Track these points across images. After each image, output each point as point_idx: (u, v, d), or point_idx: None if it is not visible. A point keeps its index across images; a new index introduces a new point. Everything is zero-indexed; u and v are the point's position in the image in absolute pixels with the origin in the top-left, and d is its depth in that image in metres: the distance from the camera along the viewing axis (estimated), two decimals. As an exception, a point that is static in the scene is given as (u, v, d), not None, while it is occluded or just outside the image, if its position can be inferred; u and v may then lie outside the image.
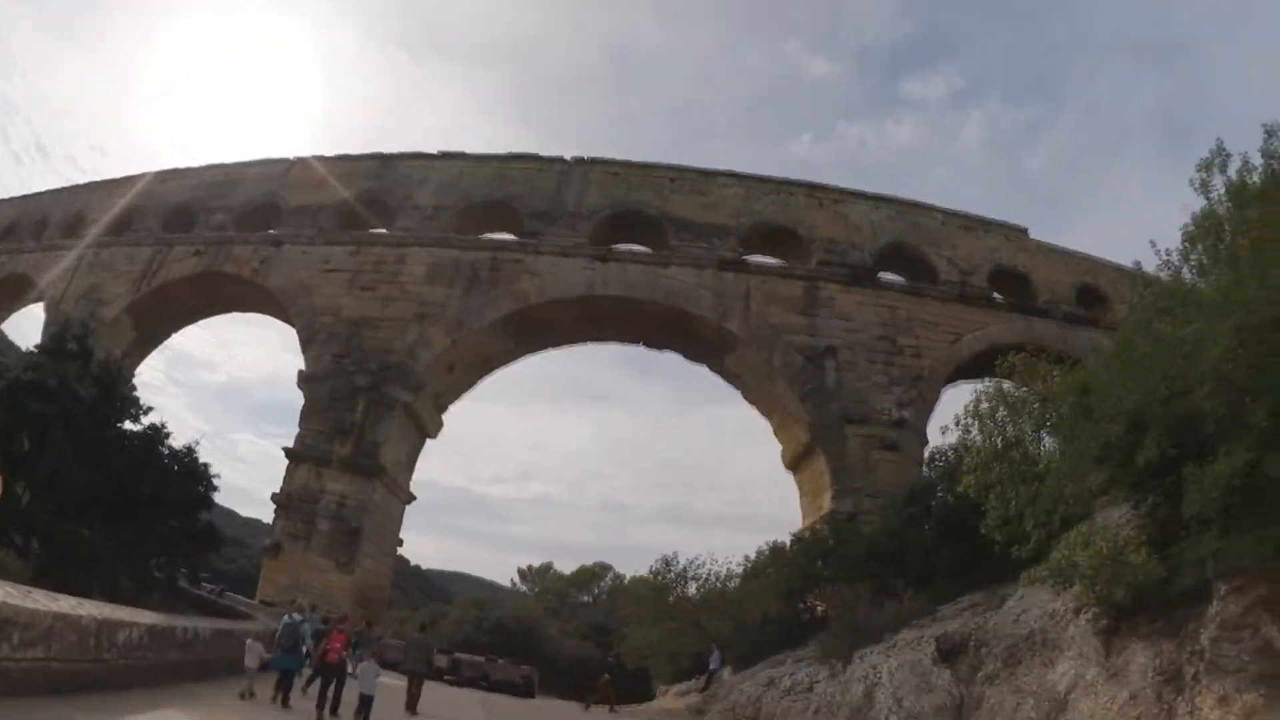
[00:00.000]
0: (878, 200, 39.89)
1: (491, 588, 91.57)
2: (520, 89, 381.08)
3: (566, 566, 79.38)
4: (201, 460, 24.93)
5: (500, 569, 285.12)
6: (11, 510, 19.50)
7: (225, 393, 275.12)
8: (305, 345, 37.38)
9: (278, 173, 45.44)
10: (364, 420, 34.17)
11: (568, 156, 41.07)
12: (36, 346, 25.87)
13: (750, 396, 37.61)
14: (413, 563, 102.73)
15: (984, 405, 17.84)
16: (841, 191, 39.80)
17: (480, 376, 39.63)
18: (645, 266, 36.52)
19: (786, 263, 37.61)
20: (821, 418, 32.87)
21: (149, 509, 22.65)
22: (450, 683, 31.43)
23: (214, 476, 25.08)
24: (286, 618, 15.90)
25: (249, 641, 15.80)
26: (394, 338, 35.86)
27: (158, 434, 24.34)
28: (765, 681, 21.29)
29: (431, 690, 20.75)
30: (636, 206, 38.81)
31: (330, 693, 14.50)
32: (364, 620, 25.86)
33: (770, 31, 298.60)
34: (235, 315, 46.85)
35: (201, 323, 47.96)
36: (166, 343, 48.62)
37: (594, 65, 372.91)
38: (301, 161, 45.23)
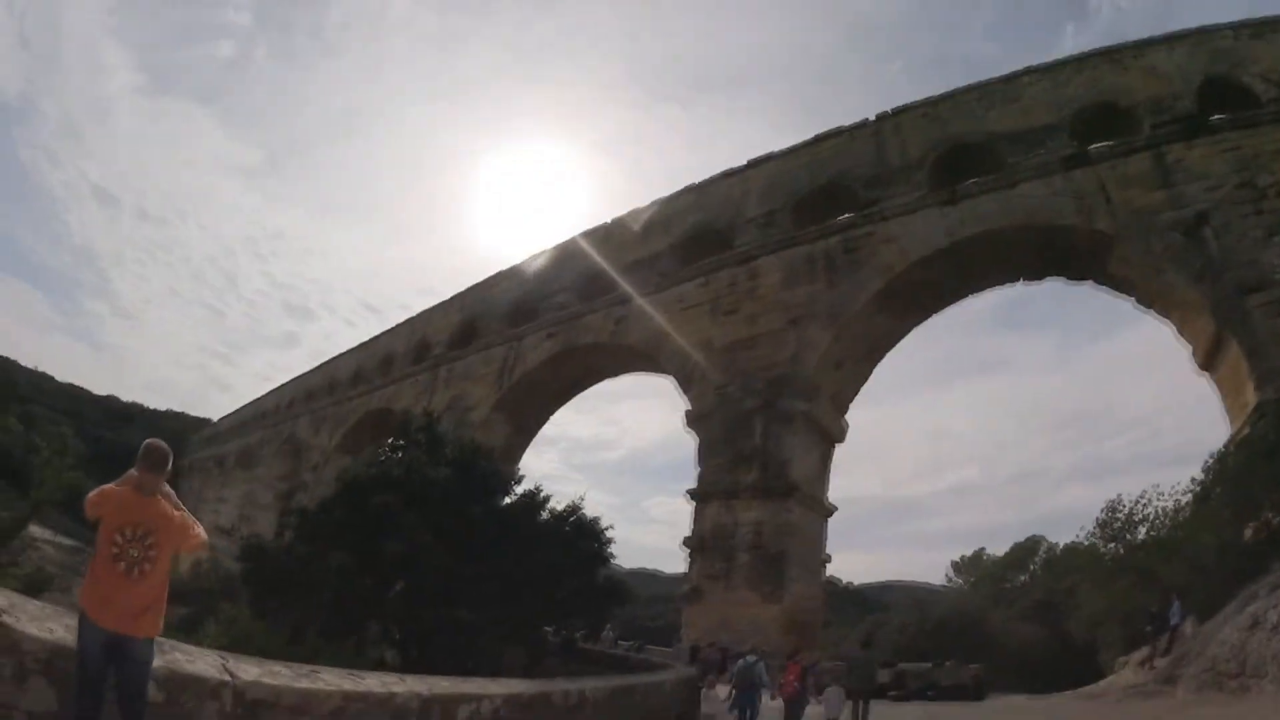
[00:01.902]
0: (1169, 41, 32.65)
1: (926, 590, 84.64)
2: (789, 94, 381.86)
3: (998, 549, 73.41)
4: (590, 515, 22.67)
5: (933, 569, 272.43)
6: (375, 605, 18.18)
7: (627, 466, 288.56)
8: (685, 386, 36.11)
9: (600, 238, 45.38)
10: (764, 441, 31.67)
11: (870, 117, 36.76)
12: (382, 444, 25.28)
13: (1143, 299, 30.96)
14: (844, 581, 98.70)
15: None
16: (1135, 45, 32.97)
17: (871, 366, 35.97)
18: (994, 194, 31.42)
19: (1122, 140, 31.06)
20: (1218, 296, 26.26)
21: (542, 578, 20.86)
22: (895, 698, 27.07)
23: (606, 529, 22.66)
24: (741, 661, 15.66)
25: (704, 690, 15.77)
26: (773, 351, 33.33)
27: (533, 499, 22.41)
28: (1248, 624, 15.75)
29: (874, 709, 17.62)
30: (959, 139, 33.96)
31: None
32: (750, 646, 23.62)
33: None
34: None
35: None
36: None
37: (844, 47, 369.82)
38: (618, 221, 44.85)
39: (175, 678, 5.76)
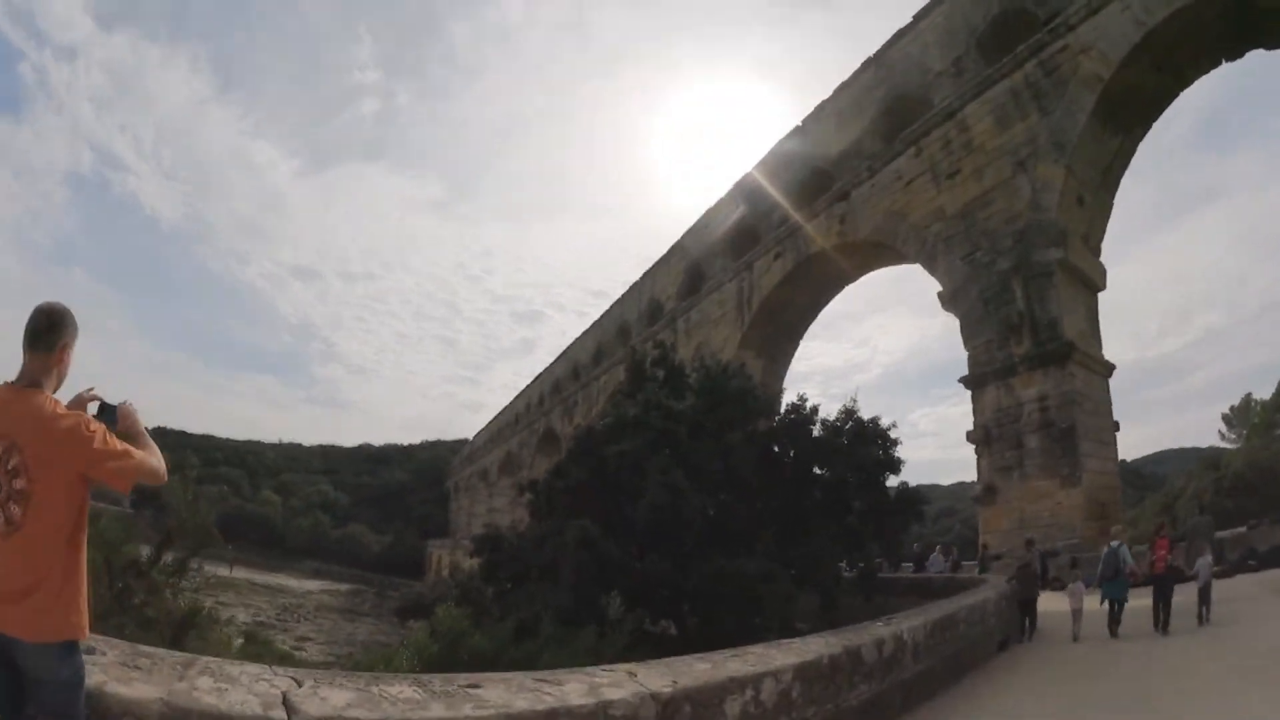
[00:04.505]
0: None
1: (1196, 454, 74.67)
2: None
3: (1264, 392, 65.09)
4: (867, 417, 19.23)
5: (1199, 429, 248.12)
6: (628, 574, 15.13)
7: (885, 384, 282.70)
8: (930, 266, 32.33)
9: (797, 145, 42.13)
10: (1028, 303, 27.50)
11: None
12: (616, 394, 22.38)
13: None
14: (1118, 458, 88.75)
15: None
16: None
17: (1110, 196, 30.58)
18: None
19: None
20: None
21: (824, 505, 17.53)
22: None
23: (889, 428, 19.23)
24: (1107, 548, 14.59)
25: (1069, 585, 15.03)
26: (1009, 203, 29.00)
27: (800, 413, 19.21)
28: None
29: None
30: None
31: (1162, 606, 13.43)
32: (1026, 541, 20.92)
33: None
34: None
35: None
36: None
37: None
38: (813, 116, 41.14)
39: (176, 714, 3.37)
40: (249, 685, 3.77)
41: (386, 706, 3.91)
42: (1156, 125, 29.87)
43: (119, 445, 3.18)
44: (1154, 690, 9.13)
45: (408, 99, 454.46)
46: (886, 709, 8.17)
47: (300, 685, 3.94)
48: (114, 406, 3.46)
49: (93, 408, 3.41)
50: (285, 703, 3.67)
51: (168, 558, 13.74)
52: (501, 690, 4.50)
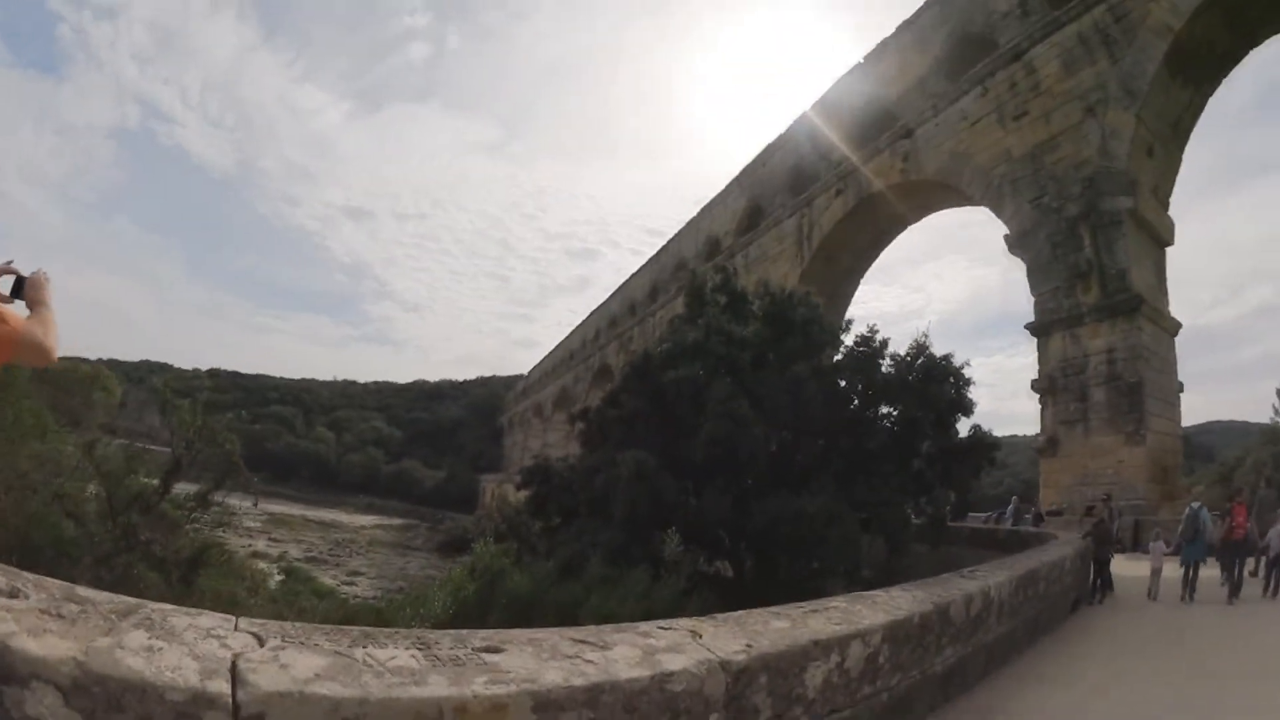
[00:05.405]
0: None
1: (1244, 430, 71.92)
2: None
3: None
4: (940, 355, 17.99)
5: (1250, 404, 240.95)
6: (684, 511, 14.00)
7: (939, 332, 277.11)
8: (997, 208, 31.10)
9: (858, 81, 40.70)
10: (1097, 252, 26.26)
11: None
12: (674, 320, 21.13)
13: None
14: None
15: None
16: None
17: (1180, 150, 29.12)
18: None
19: None
20: None
21: (892, 445, 16.39)
22: None
23: (963, 367, 18.01)
24: (1188, 509, 14.38)
25: (1151, 544, 14.96)
26: (1077, 147, 27.60)
27: (870, 344, 18.04)
28: None
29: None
30: None
31: (1236, 573, 13.13)
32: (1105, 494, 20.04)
33: None
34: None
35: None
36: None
37: None
38: (875, 52, 39.69)
39: (91, 680, 2.45)
40: (192, 644, 2.78)
41: (368, 679, 2.84)
42: (1218, 91, 28.71)
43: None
44: (1233, 668, 8.52)
45: (459, 41, 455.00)
46: (967, 676, 7.06)
47: (262, 644, 2.93)
48: (25, 278, 2.85)
49: (5, 284, 2.83)
50: (233, 669, 2.67)
51: (187, 490, 12.85)
52: (528, 657, 3.41)
